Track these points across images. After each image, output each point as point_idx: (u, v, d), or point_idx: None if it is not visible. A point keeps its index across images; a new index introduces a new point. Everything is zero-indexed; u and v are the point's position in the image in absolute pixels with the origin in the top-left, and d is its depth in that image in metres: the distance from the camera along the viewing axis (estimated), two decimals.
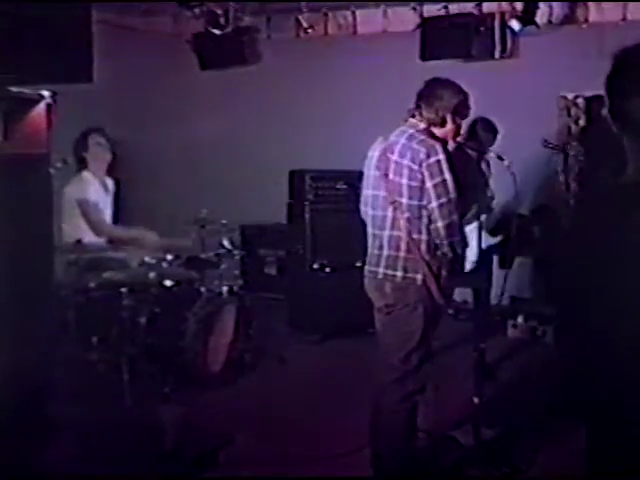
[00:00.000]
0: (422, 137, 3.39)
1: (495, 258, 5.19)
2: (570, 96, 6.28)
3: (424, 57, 6.31)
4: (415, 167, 3.32)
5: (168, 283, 4.90)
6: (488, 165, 5.20)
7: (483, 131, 5.07)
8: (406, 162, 3.35)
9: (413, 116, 3.50)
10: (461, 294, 6.07)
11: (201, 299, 4.96)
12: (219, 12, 6.40)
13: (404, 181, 3.36)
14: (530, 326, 6.02)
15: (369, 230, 3.55)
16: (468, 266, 4.39)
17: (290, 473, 3.60)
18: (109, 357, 4.62)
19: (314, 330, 5.98)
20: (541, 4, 5.92)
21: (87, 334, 4.65)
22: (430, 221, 3.34)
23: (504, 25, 6.11)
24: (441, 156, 3.31)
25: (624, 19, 5.83)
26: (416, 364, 3.41)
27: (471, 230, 4.36)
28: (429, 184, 3.31)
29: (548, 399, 4.38)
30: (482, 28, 6.05)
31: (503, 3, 6.10)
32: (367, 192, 3.56)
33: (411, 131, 3.44)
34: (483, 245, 4.48)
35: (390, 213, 3.41)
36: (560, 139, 6.17)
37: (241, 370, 5.12)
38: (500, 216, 4.65)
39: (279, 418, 3.95)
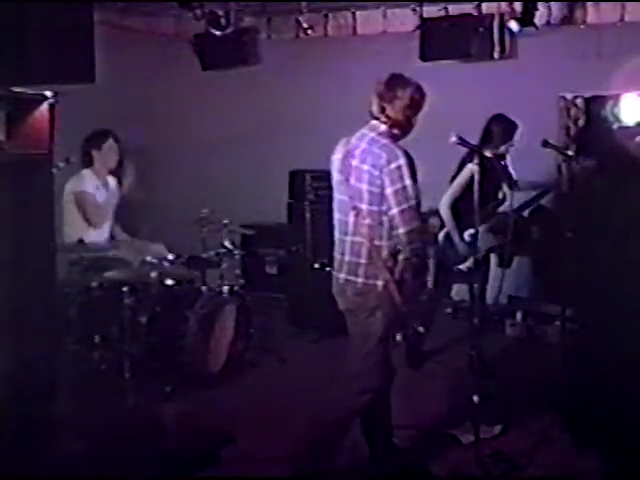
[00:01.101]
0: (384, 141, 3.34)
1: (493, 257, 5.21)
2: (569, 96, 6.29)
3: (424, 58, 6.32)
4: (376, 173, 3.28)
5: (169, 282, 4.92)
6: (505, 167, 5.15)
7: (498, 129, 5.01)
8: (367, 167, 3.31)
9: (374, 117, 3.45)
10: (459, 293, 6.10)
11: (202, 298, 4.97)
12: (220, 13, 6.42)
13: (364, 187, 3.33)
14: (529, 325, 6.04)
15: (335, 234, 3.53)
16: (472, 267, 4.43)
17: (291, 472, 3.60)
18: (110, 356, 4.64)
19: (314, 329, 6.00)
20: (540, 5, 5.93)
21: (89, 333, 4.67)
22: (392, 227, 3.31)
23: (503, 26, 6.11)
24: (402, 161, 3.26)
25: (622, 20, 5.84)
26: (371, 365, 3.41)
27: (480, 232, 4.40)
28: (389, 190, 3.26)
29: (547, 397, 4.41)
30: (481, 29, 6.05)
31: (502, 4, 6.10)
32: (334, 195, 3.54)
33: (372, 134, 3.40)
34: (489, 245, 4.54)
35: (352, 218, 3.38)
36: (559, 139, 6.18)
37: (242, 369, 5.13)
38: (497, 222, 4.67)
39: (280, 417, 3.95)
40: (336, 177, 3.50)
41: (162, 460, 3.72)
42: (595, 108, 6.07)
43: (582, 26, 6.01)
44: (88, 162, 5.23)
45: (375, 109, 3.43)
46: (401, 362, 4.89)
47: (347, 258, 3.42)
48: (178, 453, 3.83)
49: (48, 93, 3.54)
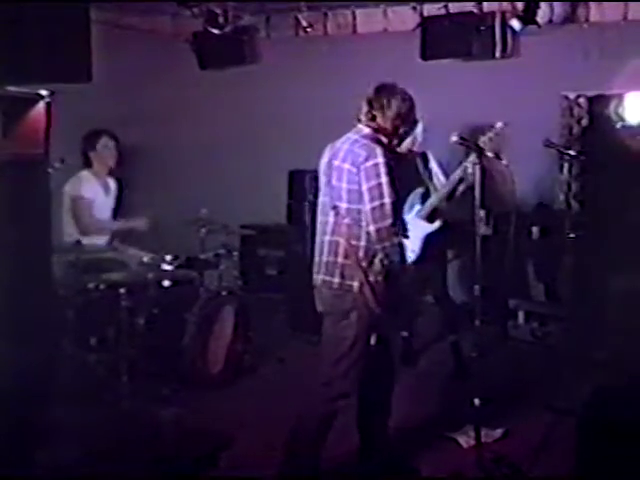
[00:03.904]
0: (364, 141, 3.37)
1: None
2: (572, 96, 6.25)
3: (424, 57, 6.31)
4: (354, 170, 3.31)
5: (167, 284, 4.90)
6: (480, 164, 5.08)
7: None
8: (347, 166, 3.35)
9: (359, 120, 3.47)
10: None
11: (200, 300, 4.94)
12: (218, 11, 6.39)
13: (344, 185, 3.36)
14: (531, 327, 6.00)
15: (317, 237, 3.55)
16: (411, 256, 4.41)
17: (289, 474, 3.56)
18: (107, 358, 4.61)
19: (314, 331, 5.93)
20: (542, 3, 5.90)
21: (86, 335, 4.65)
22: (368, 226, 3.32)
23: (505, 24, 6.08)
24: (380, 159, 3.28)
25: (625, 18, 5.80)
26: (344, 370, 3.39)
27: (409, 221, 4.37)
28: (365, 187, 3.29)
29: (548, 400, 4.39)
30: (483, 27, 6.03)
31: (504, 2, 6.08)
32: (319, 199, 3.57)
33: (355, 137, 3.43)
34: (422, 233, 4.53)
35: (332, 218, 3.41)
36: (562, 139, 6.15)
37: (240, 371, 5.11)
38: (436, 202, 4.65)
39: (279, 419, 3.91)
40: (321, 180, 3.54)
41: (160, 463, 3.69)
42: (598, 107, 6.04)
43: (585, 24, 5.98)
44: (87, 163, 5.21)
45: (364, 115, 3.47)
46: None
47: (325, 258, 3.44)
48: (176, 456, 3.80)
49: (44, 92, 3.51)
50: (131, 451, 3.80)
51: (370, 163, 3.28)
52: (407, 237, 4.23)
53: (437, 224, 4.61)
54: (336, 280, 3.38)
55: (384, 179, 3.27)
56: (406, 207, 4.41)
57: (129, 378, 4.51)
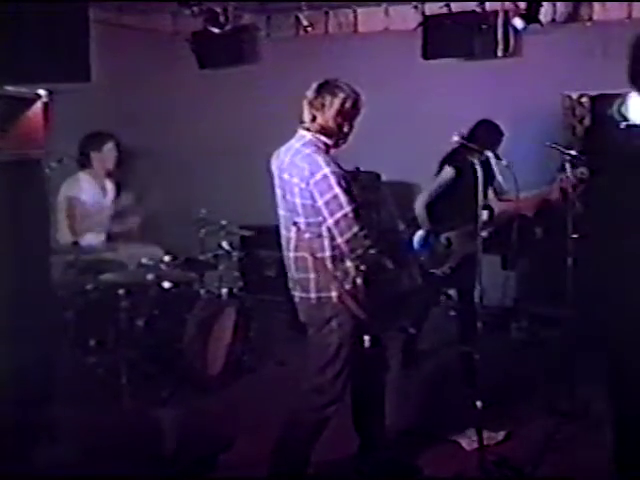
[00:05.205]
0: (306, 151, 3.26)
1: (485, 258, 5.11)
2: (575, 95, 6.22)
3: (426, 56, 6.30)
4: (303, 186, 3.22)
5: (166, 285, 4.86)
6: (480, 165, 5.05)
7: (485, 135, 4.89)
8: (296, 181, 3.25)
9: (303, 127, 3.37)
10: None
11: (200, 301, 4.93)
12: (218, 10, 6.38)
13: (298, 200, 3.27)
14: (534, 329, 5.98)
15: (283, 252, 3.48)
16: (447, 271, 4.36)
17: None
18: (107, 360, 4.60)
19: None
20: (545, 2, 5.88)
21: (85, 337, 4.64)
22: (332, 238, 3.24)
23: (507, 23, 6.08)
24: (327, 170, 3.17)
25: (629, 17, 5.78)
26: (331, 377, 3.35)
27: (456, 236, 4.33)
28: (320, 202, 3.19)
29: (551, 401, 4.36)
30: (485, 26, 6.02)
31: (506, 1, 6.07)
32: (279, 212, 3.47)
33: (297, 145, 3.34)
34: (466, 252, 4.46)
35: (293, 234, 3.34)
36: (564, 139, 6.12)
37: (240, 373, 5.09)
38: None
39: (279, 421, 3.89)
40: (277, 192, 3.44)
41: (159, 465, 3.69)
42: (601, 107, 6.01)
43: (588, 23, 5.97)
44: (86, 164, 5.16)
45: (306, 117, 3.36)
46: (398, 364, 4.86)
47: (296, 275, 3.39)
48: (176, 457, 3.78)
49: (42, 92, 3.49)
50: (130, 452, 3.79)
51: (318, 177, 3.17)
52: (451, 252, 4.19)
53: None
54: (313, 295, 3.33)
55: (337, 190, 3.16)
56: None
57: (128, 380, 4.49)
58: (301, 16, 6.53)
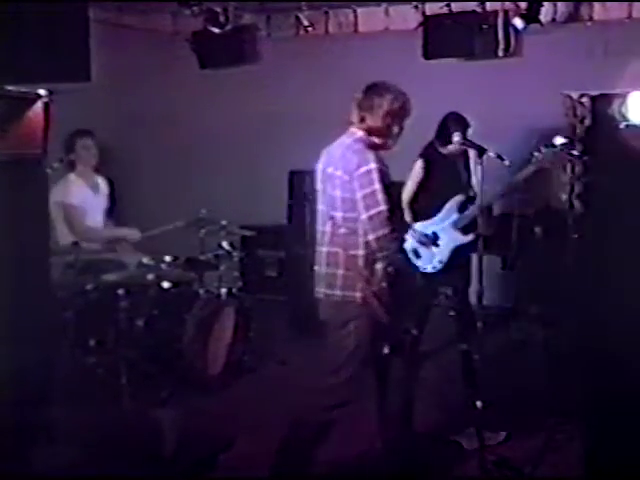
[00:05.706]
0: (357, 146, 3.31)
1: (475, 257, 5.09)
2: (575, 95, 6.22)
3: (427, 56, 6.29)
4: (346, 178, 3.26)
5: (166, 285, 4.86)
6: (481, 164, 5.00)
7: (454, 126, 4.84)
8: (339, 173, 3.29)
9: (352, 124, 3.41)
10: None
11: (200, 301, 4.93)
12: (218, 10, 6.37)
13: (338, 193, 3.31)
14: (534, 329, 5.98)
15: (316, 247, 3.48)
16: (437, 266, 4.33)
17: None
18: (107, 360, 4.59)
19: (314, 333, 5.91)
20: (545, 2, 5.87)
21: (85, 337, 4.63)
22: (365, 235, 3.26)
23: (507, 23, 6.07)
24: (373, 165, 3.22)
25: (629, 17, 5.78)
26: (343, 379, 3.34)
27: (443, 229, 4.30)
28: (359, 195, 3.23)
29: (551, 402, 4.36)
30: (485, 26, 6.02)
31: (506, 1, 6.06)
32: (318, 206, 3.50)
33: (348, 141, 3.38)
34: (455, 244, 4.43)
35: (329, 228, 3.36)
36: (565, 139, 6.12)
37: (240, 373, 5.09)
38: (473, 214, 4.55)
39: (279, 421, 3.89)
40: (318, 187, 3.49)
41: (159, 465, 3.68)
42: (601, 107, 6.00)
43: (588, 23, 5.98)
44: (71, 166, 5.16)
45: (355, 118, 3.41)
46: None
47: (324, 270, 3.39)
48: (176, 457, 3.78)
49: (42, 92, 3.48)
50: (130, 453, 3.77)
51: (363, 170, 3.22)
52: (437, 246, 4.19)
53: (471, 237, 4.46)
54: (338, 293, 3.34)
55: (377, 186, 3.21)
56: (442, 214, 4.32)
57: (128, 380, 4.48)
58: (301, 16, 6.53)
